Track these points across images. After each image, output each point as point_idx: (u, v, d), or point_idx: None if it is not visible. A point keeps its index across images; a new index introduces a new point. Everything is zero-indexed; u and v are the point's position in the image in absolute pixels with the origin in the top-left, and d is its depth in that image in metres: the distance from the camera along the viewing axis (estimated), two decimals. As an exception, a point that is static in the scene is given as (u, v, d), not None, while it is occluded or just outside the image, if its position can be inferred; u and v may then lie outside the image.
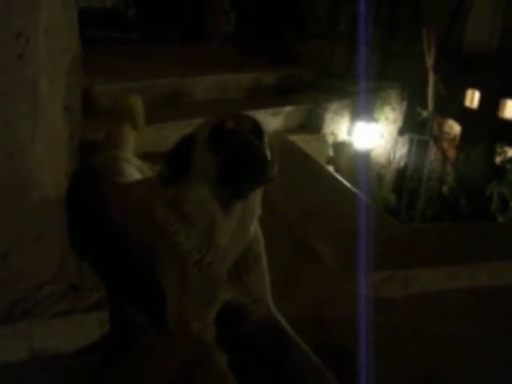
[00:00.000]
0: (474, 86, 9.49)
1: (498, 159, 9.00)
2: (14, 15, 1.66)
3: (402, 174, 8.58)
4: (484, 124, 9.01)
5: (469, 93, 9.59)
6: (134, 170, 2.72)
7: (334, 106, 6.65)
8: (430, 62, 8.30)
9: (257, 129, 1.96)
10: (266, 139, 1.98)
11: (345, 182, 4.40)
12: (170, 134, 4.35)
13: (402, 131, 8.25)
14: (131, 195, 2.34)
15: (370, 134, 7.07)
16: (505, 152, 8.90)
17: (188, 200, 1.98)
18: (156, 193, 2.12)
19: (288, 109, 5.90)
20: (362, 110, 6.95)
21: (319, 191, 4.03)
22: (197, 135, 1.97)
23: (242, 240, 2.08)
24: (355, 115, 6.98)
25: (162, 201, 2.07)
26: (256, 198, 2.03)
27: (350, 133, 7.04)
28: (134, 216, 2.27)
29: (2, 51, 1.65)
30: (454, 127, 9.59)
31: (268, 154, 1.90)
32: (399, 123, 8.20)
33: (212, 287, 2.04)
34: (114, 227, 2.36)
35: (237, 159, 1.84)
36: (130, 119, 3.15)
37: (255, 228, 2.16)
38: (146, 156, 3.22)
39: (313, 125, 6.22)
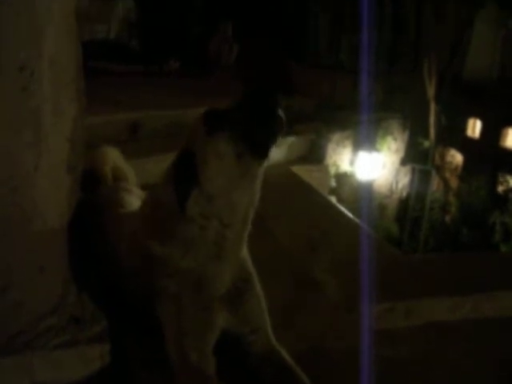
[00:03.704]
0: (476, 116, 9.53)
1: (500, 188, 9.00)
2: (19, 48, 1.68)
3: (404, 203, 8.60)
4: (486, 153, 9.03)
5: (470, 122, 9.63)
6: (135, 201, 2.73)
7: (336, 136, 6.68)
8: (431, 92, 8.37)
9: None
10: None
11: (347, 212, 4.41)
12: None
13: (404, 161, 8.28)
14: (125, 227, 2.35)
15: (373, 165, 7.09)
16: (507, 181, 8.90)
17: (203, 213, 1.97)
18: (149, 226, 2.11)
19: (290, 140, 5.91)
20: (364, 141, 6.99)
21: (321, 222, 4.03)
22: (192, 149, 1.96)
23: (237, 256, 2.10)
24: (357, 146, 7.02)
25: (157, 233, 2.07)
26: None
27: (352, 163, 7.07)
28: (128, 249, 2.27)
29: (6, 84, 1.66)
30: (456, 157, 9.61)
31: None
32: (401, 153, 8.23)
33: (209, 312, 2.04)
34: (111, 260, 2.36)
35: (253, 109, 1.86)
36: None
37: (245, 253, 2.18)
38: (147, 187, 3.24)
39: (315, 155, 6.24)
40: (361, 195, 6.99)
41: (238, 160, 1.88)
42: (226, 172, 1.90)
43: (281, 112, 1.87)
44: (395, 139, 8.06)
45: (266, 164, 1.96)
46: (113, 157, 3.14)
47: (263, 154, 1.92)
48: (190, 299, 2.03)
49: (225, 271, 2.07)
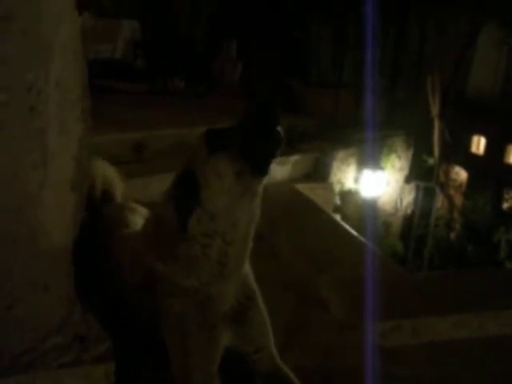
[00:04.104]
0: (480, 133, 9.55)
1: (505, 205, 8.99)
2: (27, 68, 1.70)
3: (409, 221, 8.59)
4: (491, 170, 9.03)
5: (474, 139, 9.65)
6: (140, 220, 2.73)
7: (340, 154, 6.69)
8: (434, 109, 8.39)
9: None
10: None
11: (351, 230, 4.40)
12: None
13: (408, 179, 8.28)
14: (129, 246, 2.35)
15: (377, 182, 7.10)
16: (512, 198, 8.89)
17: (206, 230, 1.97)
18: (152, 244, 2.12)
19: (294, 158, 5.93)
20: (369, 158, 7.00)
21: (326, 240, 4.03)
22: (192, 168, 1.95)
23: (240, 274, 2.10)
24: (362, 163, 7.02)
25: (160, 252, 2.07)
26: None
27: (356, 181, 7.07)
28: (131, 268, 2.27)
29: (14, 104, 1.68)
30: (461, 174, 9.62)
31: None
32: (405, 171, 8.23)
33: (212, 332, 2.04)
34: (114, 279, 2.36)
35: (252, 126, 1.86)
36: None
37: (248, 270, 2.18)
38: (153, 205, 3.24)
39: (319, 173, 6.25)
40: (365, 213, 6.98)
41: (238, 178, 1.88)
42: (226, 191, 1.90)
43: (280, 128, 1.88)
44: (399, 157, 8.07)
45: (265, 181, 1.97)
46: (102, 169, 3.14)
47: (263, 171, 1.92)
48: (194, 318, 2.03)
49: (228, 289, 2.07)
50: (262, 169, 1.92)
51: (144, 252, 2.14)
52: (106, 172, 3.13)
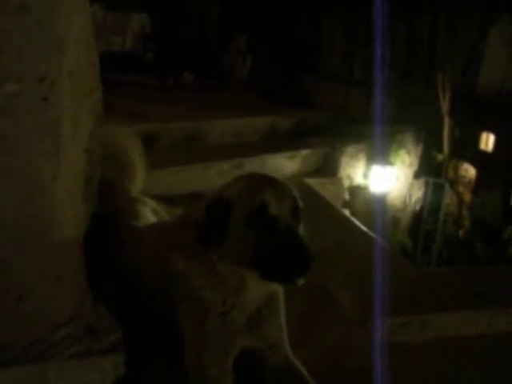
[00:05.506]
0: (489, 129, 9.50)
1: (513, 202, 8.94)
2: (40, 58, 1.70)
3: (417, 217, 8.57)
4: (499, 167, 8.98)
5: (483, 136, 9.59)
6: (149, 213, 2.74)
7: (349, 149, 6.68)
8: (445, 106, 8.35)
9: (296, 208, 1.95)
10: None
11: (361, 225, 4.39)
12: (187, 176, 4.38)
13: (417, 174, 8.25)
14: (145, 239, 2.35)
15: (386, 178, 7.08)
16: (520, 195, 8.85)
17: (223, 261, 1.96)
18: (174, 242, 2.11)
19: (304, 152, 5.92)
20: (378, 154, 6.97)
21: (335, 235, 4.02)
22: (233, 202, 1.92)
23: (264, 292, 2.09)
24: (371, 159, 7.00)
25: (182, 252, 2.06)
26: None
27: (365, 176, 7.05)
28: (148, 261, 2.27)
29: (27, 94, 1.68)
30: (470, 171, 9.57)
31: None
32: (415, 167, 8.21)
33: (231, 335, 2.04)
34: (128, 271, 2.36)
35: (282, 256, 1.82)
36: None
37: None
38: (162, 198, 3.24)
39: (329, 168, 6.24)
40: (374, 208, 6.97)
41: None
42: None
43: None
44: (409, 152, 8.05)
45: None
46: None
47: (268, 279, 1.93)
48: (211, 320, 2.03)
49: (243, 312, 2.07)
50: (268, 279, 1.93)
51: (164, 247, 2.13)
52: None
